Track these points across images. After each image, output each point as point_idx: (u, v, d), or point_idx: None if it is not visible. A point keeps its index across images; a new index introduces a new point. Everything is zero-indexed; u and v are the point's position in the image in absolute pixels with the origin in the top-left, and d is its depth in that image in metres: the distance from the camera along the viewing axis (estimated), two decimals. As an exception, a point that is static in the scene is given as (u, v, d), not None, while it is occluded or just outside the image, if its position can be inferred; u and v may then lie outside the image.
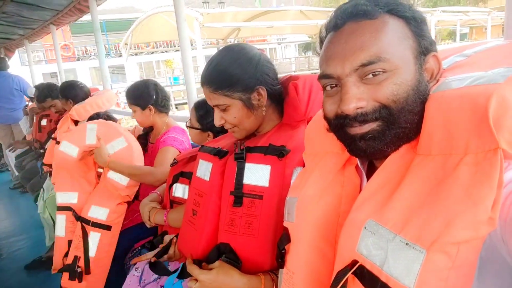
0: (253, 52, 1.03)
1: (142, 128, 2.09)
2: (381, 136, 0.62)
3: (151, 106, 1.91)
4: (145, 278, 1.49)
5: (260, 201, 0.96)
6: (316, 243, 0.71)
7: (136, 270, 1.54)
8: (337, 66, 0.63)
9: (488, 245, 0.50)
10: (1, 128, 5.02)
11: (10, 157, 4.40)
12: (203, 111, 1.51)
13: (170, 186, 1.49)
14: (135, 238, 1.83)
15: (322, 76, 0.67)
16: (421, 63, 0.63)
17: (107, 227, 1.72)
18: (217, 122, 1.05)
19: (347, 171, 0.71)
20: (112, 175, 1.76)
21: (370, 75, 0.61)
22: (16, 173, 4.31)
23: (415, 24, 0.63)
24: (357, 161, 0.71)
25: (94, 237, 1.71)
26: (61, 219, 1.84)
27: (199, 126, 1.51)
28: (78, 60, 18.87)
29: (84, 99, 2.51)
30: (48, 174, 2.91)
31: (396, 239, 0.53)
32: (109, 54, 18.04)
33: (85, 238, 1.71)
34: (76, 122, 2.39)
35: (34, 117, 3.61)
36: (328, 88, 0.67)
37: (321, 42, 0.71)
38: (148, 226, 1.52)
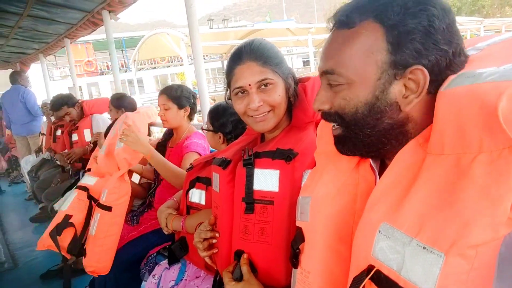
0: None
1: (159, 137, 2.13)
2: (344, 140, 0.68)
3: (188, 108, 1.99)
4: (163, 284, 1.49)
5: (272, 207, 0.95)
6: (332, 242, 0.70)
7: (153, 277, 1.55)
8: (320, 65, 0.69)
9: (508, 242, 0.48)
10: (18, 140, 5.14)
11: (26, 168, 4.46)
12: (214, 114, 1.55)
13: (187, 191, 1.49)
14: (150, 244, 1.84)
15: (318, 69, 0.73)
16: (391, 78, 0.61)
17: (107, 208, 1.73)
18: (256, 103, 0.98)
19: (361, 169, 0.71)
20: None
21: (331, 83, 0.66)
22: (30, 185, 4.38)
23: (395, 34, 0.59)
24: (370, 160, 0.70)
25: (96, 217, 1.75)
26: (71, 195, 1.91)
27: (211, 127, 1.55)
28: (101, 74, 19.97)
29: (133, 109, 2.75)
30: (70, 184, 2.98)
31: (413, 243, 0.51)
32: (128, 69, 18.68)
33: (88, 216, 1.78)
34: None
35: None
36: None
37: None
38: (166, 232, 1.52)
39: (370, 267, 0.58)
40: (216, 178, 1.13)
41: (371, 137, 0.65)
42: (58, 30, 4.31)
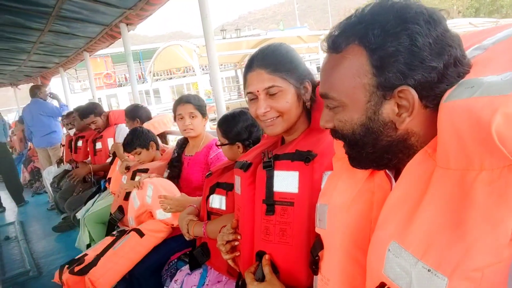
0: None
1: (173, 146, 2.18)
2: (351, 155, 0.71)
3: (207, 116, 2.04)
4: (185, 285, 1.51)
5: (292, 208, 0.96)
6: (350, 250, 0.71)
7: (175, 283, 1.57)
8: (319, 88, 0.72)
9: None
10: (39, 151, 5.29)
11: (48, 179, 4.58)
12: (225, 126, 1.51)
13: (207, 197, 1.52)
14: (171, 250, 1.86)
15: None
16: (380, 100, 0.62)
17: (141, 233, 1.82)
18: (262, 110, 1.01)
19: (377, 177, 0.71)
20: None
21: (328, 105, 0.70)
22: (52, 195, 4.49)
23: (378, 57, 0.59)
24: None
25: (127, 235, 1.83)
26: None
27: (226, 141, 1.51)
28: (119, 86, 20.63)
29: (148, 118, 2.82)
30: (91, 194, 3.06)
31: (419, 265, 0.52)
32: (146, 80, 19.25)
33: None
34: None
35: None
36: None
37: None
38: (187, 238, 1.55)
39: (382, 285, 0.59)
40: (238, 180, 1.15)
41: (374, 154, 0.66)
42: (77, 44, 4.45)
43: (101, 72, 20.25)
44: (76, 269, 1.79)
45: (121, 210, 2.32)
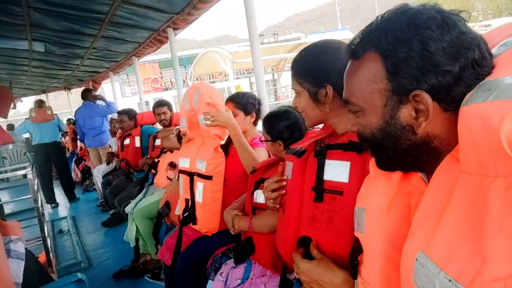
0: (340, 52, 1.05)
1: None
2: (376, 157, 0.73)
3: (254, 114, 2.07)
4: (230, 282, 1.55)
5: (341, 197, 0.98)
6: (389, 254, 0.71)
7: (221, 275, 1.62)
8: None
9: None
10: (91, 151, 5.61)
11: (98, 177, 4.84)
12: (269, 123, 1.57)
13: (252, 193, 1.56)
14: (214, 245, 1.91)
15: None
16: (397, 104, 0.63)
17: (208, 177, 1.89)
18: (293, 104, 1.18)
19: (413, 180, 0.70)
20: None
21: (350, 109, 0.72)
22: (101, 192, 4.74)
23: (391, 63, 0.61)
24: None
25: (199, 186, 1.92)
26: (181, 180, 2.11)
27: (269, 137, 1.57)
28: (165, 90, 22.00)
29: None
30: (138, 189, 3.22)
31: (441, 275, 0.51)
32: (188, 84, 20.18)
33: (191, 187, 1.96)
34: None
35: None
36: None
37: None
38: (232, 233, 1.59)
39: None
40: (289, 166, 1.18)
41: (396, 157, 0.67)
42: (127, 49, 4.67)
43: (149, 77, 21.34)
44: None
45: (167, 205, 2.42)
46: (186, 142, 2.14)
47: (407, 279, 0.60)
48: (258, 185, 1.53)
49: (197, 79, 19.52)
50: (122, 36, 4.05)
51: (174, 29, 3.51)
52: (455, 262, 0.50)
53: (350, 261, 0.82)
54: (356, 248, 0.80)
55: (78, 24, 3.58)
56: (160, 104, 3.38)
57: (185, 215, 1.98)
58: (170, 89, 21.54)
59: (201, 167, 1.91)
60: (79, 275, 1.12)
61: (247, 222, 1.50)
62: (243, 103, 2.03)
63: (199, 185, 1.92)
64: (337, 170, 1.00)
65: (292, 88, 1.16)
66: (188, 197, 2.00)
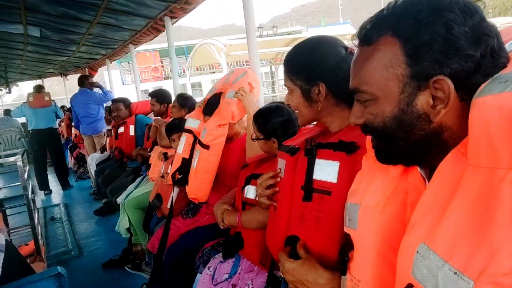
0: (334, 49, 1.04)
1: None
2: (382, 150, 0.69)
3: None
4: (217, 277, 1.54)
5: (329, 197, 0.97)
6: (383, 252, 0.70)
7: (208, 269, 1.61)
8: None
9: None
10: (85, 139, 5.57)
11: (92, 165, 4.81)
12: (261, 120, 1.51)
13: (242, 188, 1.54)
14: (204, 238, 1.90)
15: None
16: (415, 91, 0.61)
17: (206, 146, 1.93)
18: (285, 101, 1.15)
19: (410, 177, 0.69)
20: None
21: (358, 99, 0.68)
22: (95, 181, 4.72)
23: (411, 46, 0.59)
24: (418, 167, 0.69)
25: (196, 153, 1.97)
26: (183, 139, 2.16)
27: (261, 135, 1.51)
28: (165, 79, 21.89)
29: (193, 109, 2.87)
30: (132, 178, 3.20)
31: (445, 267, 0.50)
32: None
33: (192, 150, 2.04)
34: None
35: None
36: None
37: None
38: (222, 227, 1.58)
39: (409, 286, 0.58)
40: (282, 164, 1.16)
41: (406, 149, 0.65)
42: (123, 37, 4.61)
43: (150, 65, 21.14)
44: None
45: (159, 198, 2.40)
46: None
47: (405, 272, 0.59)
48: (249, 180, 1.51)
49: (197, 69, 19.56)
50: (119, 23, 4.00)
51: (171, 17, 3.47)
52: (461, 255, 0.49)
53: (340, 257, 0.81)
54: (347, 244, 0.79)
55: (74, 9, 3.53)
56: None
57: (180, 176, 2.03)
58: (170, 78, 21.64)
59: (202, 135, 1.95)
60: (59, 269, 1.10)
61: (237, 217, 1.49)
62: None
63: (197, 152, 1.97)
64: (326, 170, 0.99)
65: (285, 85, 1.12)
66: (187, 156, 2.07)
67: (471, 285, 0.46)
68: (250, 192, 1.50)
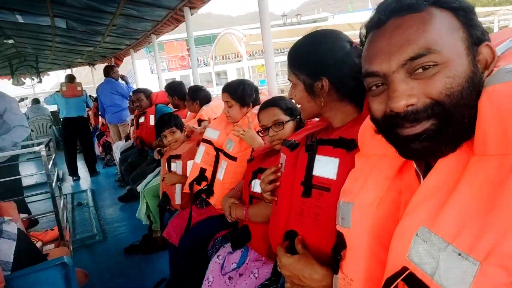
0: (339, 43, 1.03)
1: None
2: (437, 135, 0.58)
3: (251, 105, 1.99)
4: (226, 266, 1.59)
5: (328, 194, 0.97)
6: (375, 251, 0.70)
7: (218, 258, 1.65)
8: (382, 63, 0.62)
9: None
10: (111, 127, 5.74)
11: (116, 153, 4.96)
12: (285, 101, 1.51)
13: (250, 182, 1.56)
14: (217, 227, 1.95)
15: (366, 75, 0.66)
16: (474, 54, 0.59)
17: (233, 158, 1.93)
18: (288, 95, 1.14)
19: (405, 177, 0.68)
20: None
21: (420, 70, 0.58)
22: (119, 168, 4.87)
23: (464, 14, 0.60)
24: (414, 164, 0.68)
25: (223, 164, 1.96)
26: (202, 149, 2.16)
27: (289, 117, 1.48)
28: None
29: (208, 101, 2.95)
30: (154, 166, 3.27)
31: (449, 249, 0.50)
32: (216, 62, 20.48)
33: (216, 163, 2.05)
34: (200, 122, 2.81)
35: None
36: (374, 87, 0.66)
37: (362, 43, 0.70)
38: (229, 220, 1.61)
39: (404, 269, 0.58)
40: (283, 159, 1.18)
41: (473, 119, 0.56)
42: (145, 27, 4.69)
43: (177, 54, 21.39)
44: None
45: (165, 197, 2.44)
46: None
47: (399, 256, 0.59)
48: (255, 174, 1.53)
49: (223, 58, 19.61)
50: (140, 14, 4.06)
51: (190, 8, 3.49)
52: (467, 237, 0.49)
53: (333, 255, 0.81)
54: (340, 243, 0.79)
55: (97, 1, 3.61)
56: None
57: (205, 187, 2.04)
58: (198, 66, 21.94)
59: (229, 147, 1.93)
60: (65, 258, 1.16)
61: (244, 211, 1.51)
62: (239, 94, 1.95)
63: (223, 163, 1.96)
64: (326, 167, 0.99)
65: (288, 79, 1.11)
66: (205, 167, 2.07)
67: (477, 266, 0.46)
68: (257, 186, 1.51)
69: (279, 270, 1.02)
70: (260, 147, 1.68)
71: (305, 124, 1.46)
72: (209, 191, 2.01)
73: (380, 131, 0.68)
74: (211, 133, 2.13)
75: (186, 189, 2.17)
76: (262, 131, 1.55)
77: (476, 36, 0.59)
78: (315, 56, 1.03)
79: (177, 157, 2.39)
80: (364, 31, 0.70)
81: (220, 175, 1.95)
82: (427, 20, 0.59)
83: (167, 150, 2.56)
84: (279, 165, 1.19)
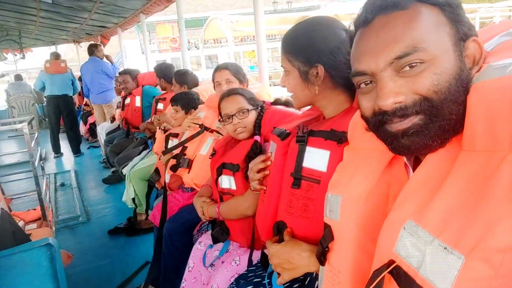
0: (334, 31, 1.01)
1: None
2: (424, 130, 0.59)
3: (247, 84, 2.01)
4: (208, 253, 1.57)
5: (318, 186, 0.97)
6: (363, 244, 0.70)
7: (200, 244, 1.64)
8: (370, 62, 0.62)
9: None
10: (95, 108, 5.63)
11: (102, 134, 4.88)
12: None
13: (216, 180, 1.53)
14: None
15: (355, 74, 0.67)
16: (461, 50, 0.59)
17: (221, 134, 1.91)
18: (280, 83, 1.11)
19: (395, 170, 0.69)
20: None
21: (407, 67, 0.59)
22: (104, 150, 4.80)
23: (450, 10, 0.59)
24: (404, 158, 0.68)
25: (208, 140, 2.00)
26: (210, 140, 2.10)
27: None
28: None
29: (195, 85, 2.89)
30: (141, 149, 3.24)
31: (435, 243, 0.51)
32: (207, 45, 20.19)
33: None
34: None
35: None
36: (363, 85, 0.67)
37: (351, 40, 0.70)
38: (204, 220, 1.59)
39: (391, 262, 0.58)
40: (273, 147, 1.17)
41: (461, 115, 0.57)
42: (134, 6, 4.56)
43: (168, 36, 21.01)
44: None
45: (157, 172, 2.44)
46: None
47: (387, 249, 0.60)
48: (220, 171, 1.50)
49: (215, 42, 19.59)
50: (129, -8, 3.95)
51: (181, -12, 3.41)
52: (453, 231, 0.50)
53: (320, 247, 0.82)
54: (327, 235, 0.79)
55: (84, -24, 3.49)
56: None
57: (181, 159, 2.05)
58: (189, 49, 21.66)
59: (219, 124, 1.93)
60: (50, 240, 1.14)
61: (216, 209, 1.51)
62: (238, 71, 1.96)
63: (209, 139, 1.99)
64: (316, 158, 0.98)
65: (282, 66, 1.09)
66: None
67: (461, 260, 0.47)
68: (224, 182, 1.49)
69: (269, 262, 1.03)
70: (219, 139, 1.67)
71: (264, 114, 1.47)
72: (186, 164, 2.02)
73: (370, 128, 0.68)
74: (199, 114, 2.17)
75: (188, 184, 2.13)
76: (225, 119, 1.53)
77: (463, 31, 0.59)
78: (311, 43, 1.01)
79: (176, 135, 2.37)
80: (352, 28, 0.70)
81: (204, 150, 1.97)
82: (413, 17, 0.59)
83: (169, 128, 2.52)
84: (269, 153, 1.18)
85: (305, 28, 1.04)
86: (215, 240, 1.53)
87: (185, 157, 2.10)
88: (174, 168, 2.11)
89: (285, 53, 1.06)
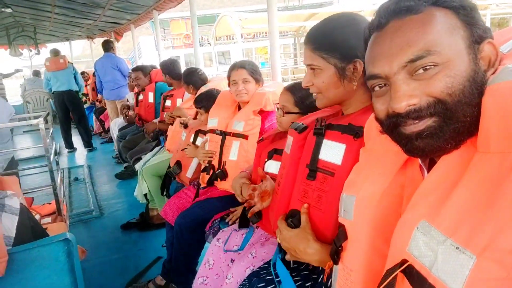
0: (363, 26, 1.01)
1: None
2: (439, 132, 0.59)
3: (262, 83, 2.05)
4: (227, 248, 1.59)
5: (332, 178, 0.99)
6: (376, 243, 0.71)
7: (218, 241, 1.65)
8: (384, 65, 0.63)
9: None
10: (108, 104, 5.68)
11: (114, 130, 4.93)
12: (302, 93, 1.42)
13: (265, 162, 1.55)
14: (215, 209, 1.95)
15: (369, 77, 0.68)
16: (476, 52, 0.59)
17: (244, 136, 1.96)
18: (304, 83, 1.07)
19: (409, 170, 0.69)
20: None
21: (421, 70, 0.59)
22: (116, 145, 4.85)
23: (465, 13, 0.60)
24: (419, 160, 0.68)
25: (235, 145, 1.99)
26: (237, 144, 2.10)
27: (298, 110, 1.44)
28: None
29: (203, 83, 2.86)
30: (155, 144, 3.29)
31: (447, 242, 0.52)
32: (220, 42, 20.23)
33: (222, 146, 2.06)
34: None
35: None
36: (377, 88, 0.67)
37: (365, 43, 0.71)
38: (240, 200, 1.61)
39: (404, 261, 0.59)
40: (290, 140, 1.19)
41: (475, 117, 0.57)
42: (147, 2, 4.59)
43: (182, 33, 21.17)
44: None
45: (179, 165, 2.46)
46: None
47: (400, 249, 0.61)
48: (271, 155, 1.52)
49: (227, 38, 19.70)
50: (142, -12, 3.97)
51: (194, -15, 3.41)
52: (465, 231, 0.50)
53: (334, 247, 0.82)
54: (341, 234, 0.80)
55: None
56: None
57: (217, 171, 2.05)
58: (202, 46, 21.78)
59: (239, 127, 1.97)
60: (68, 234, 1.16)
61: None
62: (255, 70, 1.98)
63: (235, 144, 1.99)
64: (332, 151, 1.00)
65: (310, 64, 1.04)
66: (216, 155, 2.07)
67: (473, 260, 0.48)
68: (272, 167, 1.52)
69: (279, 241, 1.07)
70: (269, 131, 1.69)
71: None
72: (223, 174, 2.02)
73: (384, 130, 0.69)
74: (211, 123, 2.17)
75: (205, 163, 2.15)
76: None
77: (477, 34, 0.59)
78: (346, 38, 1.00)
79: (205, 133, 2.39)
80: (367, 31, 0.71)
81: (233, 156, 1.98)
82: (426, 21, 0.60)
83: (196, 124, 2.52)
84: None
85: (338, 24, 1.02)
86: (243, 223, 1.59)
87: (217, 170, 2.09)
88: (210, 182, 2.11)
89: (316, 50, 1.02)
